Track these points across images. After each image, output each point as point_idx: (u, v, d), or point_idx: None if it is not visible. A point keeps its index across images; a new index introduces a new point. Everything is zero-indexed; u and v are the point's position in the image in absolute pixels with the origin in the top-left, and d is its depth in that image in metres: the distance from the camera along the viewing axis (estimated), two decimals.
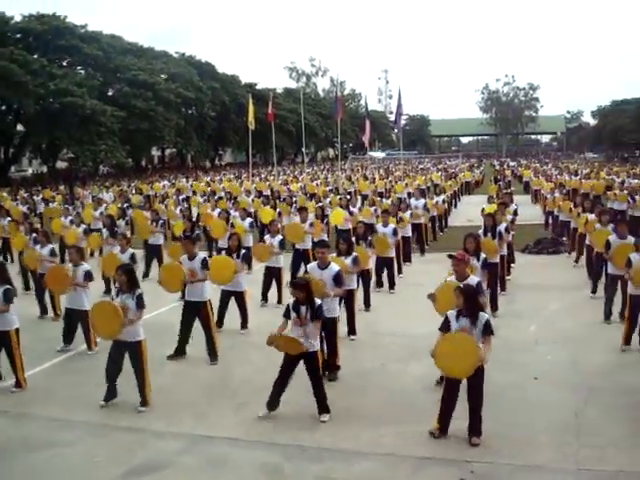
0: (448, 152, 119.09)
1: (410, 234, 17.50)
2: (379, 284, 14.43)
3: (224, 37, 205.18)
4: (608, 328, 10.90)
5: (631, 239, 10.77)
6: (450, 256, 8.68)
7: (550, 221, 22.20)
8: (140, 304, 8.22)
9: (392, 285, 14.51)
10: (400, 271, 15.86)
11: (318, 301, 7.86)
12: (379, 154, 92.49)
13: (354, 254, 10.67)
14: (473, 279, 8.49)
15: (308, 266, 9.70)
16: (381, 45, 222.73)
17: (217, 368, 9.64)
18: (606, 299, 11.46)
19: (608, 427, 7.39)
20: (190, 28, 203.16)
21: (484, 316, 7.17)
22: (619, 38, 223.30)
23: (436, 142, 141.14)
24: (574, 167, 47.82)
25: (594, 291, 13.08)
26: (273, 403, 7.86)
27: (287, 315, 7.85)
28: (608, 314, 11.33)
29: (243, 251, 11.64)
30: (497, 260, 12.31)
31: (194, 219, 19.58)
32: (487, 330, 7.12)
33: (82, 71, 60.33)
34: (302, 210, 16.33)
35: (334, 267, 9.14)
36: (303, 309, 7.72)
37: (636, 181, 30.28)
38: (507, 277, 14.32)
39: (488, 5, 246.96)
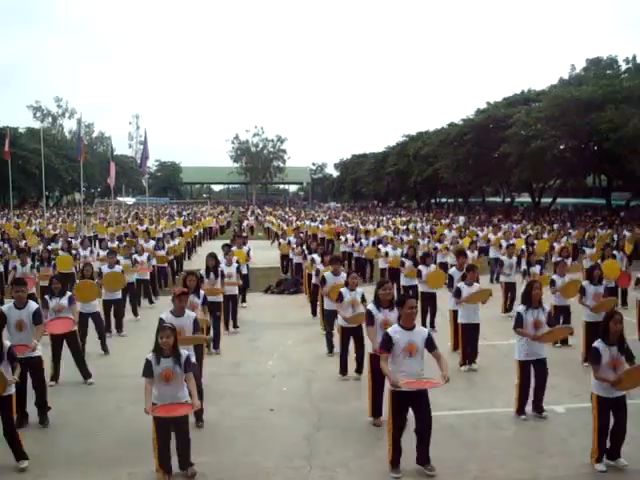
0: (199, 199, 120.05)
1: (148, 277, 17.60)
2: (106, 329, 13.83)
3: None
4: (335, 359, 11.50)
5: (344, 276, 11.86)
6: (177, 292, 8.82)
7: (285, 264, 23.45)
8: None
9: (120, 328, 14.19)
10: (136, 313, 15.71)
11: (7, 343, 7.55)
12: (129, 199, 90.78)
13: (69, 294, 10.67)
14: (191, 315, 8.68)
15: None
16: (133, 90, 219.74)
17: None
18: (326, 333, 12.39)
19: (338, 449, 7.86)
20: None
21: (185, 354, 7.18)
22: (357, 99, 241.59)
23: (188, 189, 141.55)
24: (316, 215, 50.94)
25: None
26: None
27: None
28: (330, 347, 12.22)
29: None
30: (220, 299, 12.75)
31: None
32: (189, 367, 7.11)
33: None
34: None
35: (32, 305, 8.98)
36: None
37: (365, 227, 32.92)
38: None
39: (239, 56, 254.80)
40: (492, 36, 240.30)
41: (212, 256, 13.14)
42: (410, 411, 7.25)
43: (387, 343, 7.21)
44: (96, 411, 9.36)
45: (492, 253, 21.67)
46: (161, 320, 8.04)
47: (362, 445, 8.00)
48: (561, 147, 43.97)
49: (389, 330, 7.35)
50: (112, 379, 10.87)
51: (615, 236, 26.97)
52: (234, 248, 16.35)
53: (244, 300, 17.44)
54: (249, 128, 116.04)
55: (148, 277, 17.62)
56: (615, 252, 16.77)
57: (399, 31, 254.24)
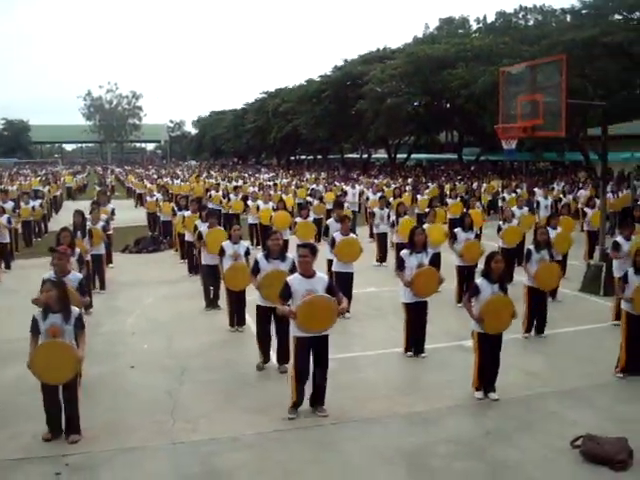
0: (51, 159, 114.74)
1: (8, 240, 16.80)
2: None
3: None
4: (203, 314, 11.72)
5: (221, 229, 12.22)
6: (51, 249, 8.68)
7: (152, 222, 23.02)
8: None
9: None
10: None
11: None
12: None
13: None
14: (76, 275, 8.56)
15: None
16: None
17: None
18: (204, 288, 12.30)
19: (201, 402, 7.89)
20: None
21: (76, 311, 6.98)
22: (214, 54, 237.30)
23: (38, 149, 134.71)
24: (179, 172, 50.54)
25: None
26: None
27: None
28: (208, 302, 12.20)
29: None
30: (88, 258, 12.28)
31: None
32: (79, 325, 6.93)
33: None
34: None
35: None
36: None
37: (232, 184, 32.67)
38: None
39: (91, 6, 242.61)
40: None
41: (79, 213, 12.80)
42: None
43: (284, 292, 7.30)
44: None
45: (352, 206, 22.28)
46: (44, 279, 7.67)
47: (225, 396, 8.07)
48: (415, 104, 45.30)
49: (289, 278, 7.42)
50: None
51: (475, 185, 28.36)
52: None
53: (110, 261, 16.79)
54: (102, 84, 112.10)
55: (8, 240, 16.78)
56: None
57: None
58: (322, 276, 7.56)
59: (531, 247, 10.65)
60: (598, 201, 18.03)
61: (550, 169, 45.10)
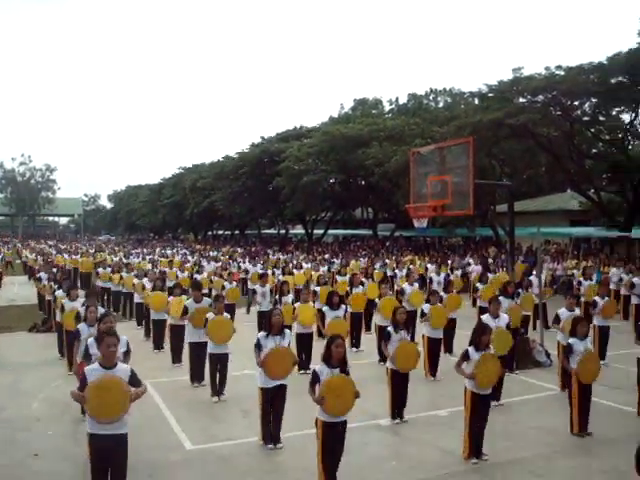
0: None
1: None
2: None
3: None
4: None
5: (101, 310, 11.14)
6: None
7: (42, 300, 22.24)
8: None
9: None
10: None
11: None
12: None
13: None
14: None
15: None
16: None
17: None
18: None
19: None
20: None
21: None
22: (130, 128, 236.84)
23: None
24: (81, 248, 50.30)
25: None
26: None
27: None
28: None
29: None
30: None
31: None
32: None
33: None
34: None
35: None
36: None
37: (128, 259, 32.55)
38: None
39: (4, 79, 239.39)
40: (265, 72, 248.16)
41: None
42: None
43: (82, 382, 6.54)
44: None
45: (249, 284, 22.61)
46: None
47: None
48: (331, 181, 46.22)
49: (86, 369, 6.72)
50: None
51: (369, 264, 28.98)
52: None
53: None
54: (15, 156, 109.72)
55: None
56: (363, 279, 18.16)
57: (173, 60, 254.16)
58: (124, 367, 6.81)
59: (390, 328, 10.36)
60: (491, 276, 18.68)
61: (462, 244, 46.36)
